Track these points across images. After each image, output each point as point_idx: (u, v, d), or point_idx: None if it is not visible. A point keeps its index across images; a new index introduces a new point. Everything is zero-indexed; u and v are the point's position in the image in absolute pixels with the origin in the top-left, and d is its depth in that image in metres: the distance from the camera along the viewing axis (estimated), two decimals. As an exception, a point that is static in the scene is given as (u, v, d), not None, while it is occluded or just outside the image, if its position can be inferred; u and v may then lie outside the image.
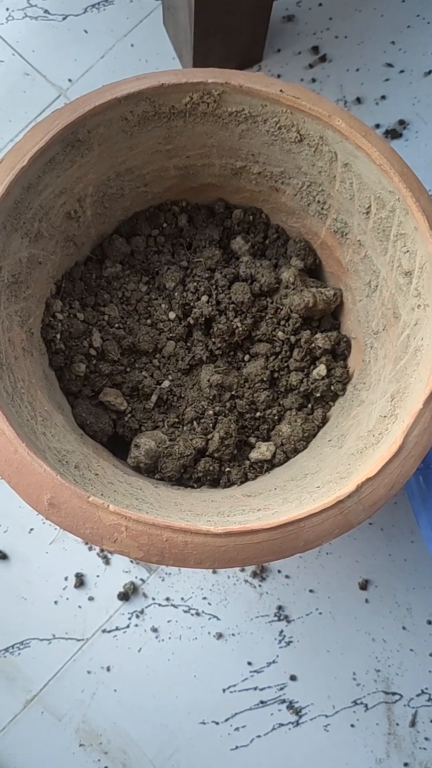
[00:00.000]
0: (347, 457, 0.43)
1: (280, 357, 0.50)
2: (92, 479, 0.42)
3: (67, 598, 0.61)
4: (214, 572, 0.61)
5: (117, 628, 0.60)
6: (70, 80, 0.69)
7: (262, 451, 0.48)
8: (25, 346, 0.46)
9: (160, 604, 0.61)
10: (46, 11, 0.70)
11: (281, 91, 0.43)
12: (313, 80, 0.69)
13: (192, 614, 0.61)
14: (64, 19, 0.70)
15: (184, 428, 0.49)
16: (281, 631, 0.61)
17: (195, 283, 0.49)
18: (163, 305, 0.50)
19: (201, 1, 0.57)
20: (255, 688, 0.60)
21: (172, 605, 0.61)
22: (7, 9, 0.71)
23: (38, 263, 0.47)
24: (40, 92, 0.69)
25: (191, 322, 0.49)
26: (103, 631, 0.60)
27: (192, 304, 0.49)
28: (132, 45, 0.69)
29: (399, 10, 0.70)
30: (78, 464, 0.42)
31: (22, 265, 0.45)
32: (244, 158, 0.48)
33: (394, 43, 0.70)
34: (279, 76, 0.69)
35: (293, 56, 0.69)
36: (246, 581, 0.61)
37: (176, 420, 0.49)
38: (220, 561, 0.38)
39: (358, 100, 0.68)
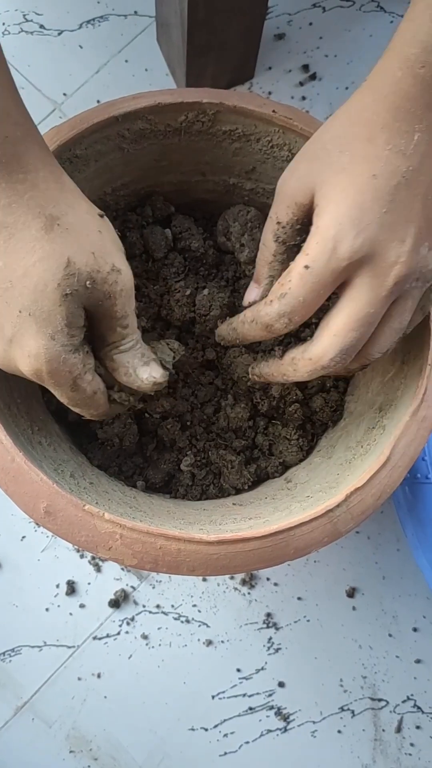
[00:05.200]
0: (336, 467, 0.44)
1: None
2: (87, 488, 0.42)
3: (59, 606, 0.61)
4: (204, 580, 0.62)
5: (108, 635, 0.61)
6: (65, 94, 0.70)
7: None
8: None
9: (150, 612, 0.61)
10: (41, 26, 0.71)
11: (274, 111, 0.44)
12: (303, 98, 0.70)
13: (182, 621, 0.61)
14: (59, 34, 0.71)
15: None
16: (270, 638, 0.62)
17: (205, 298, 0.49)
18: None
19: (194, 20, 0.59)
20: (244, 695, 0.61)
21: (163, 612, 0.62)
22: (3, 23, 0.72)
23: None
24: (36, 106, 0.70)
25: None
26: (94, 638, 0.61)
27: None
28: (126, 61, 0.71)
29: (387, 31, 0.72)
30: (73, 473, 0.43)
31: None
32: (237, 175, 0.49)
33: (383, 62, 0.71)
34: (270, 93, 0.70)
35: (284, 74, 0.71)
36: (235, 589, 0.62)
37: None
38: (212, 568, 0.39)
39: (347, 118, 0.70)
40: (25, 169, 0.34)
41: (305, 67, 0.71)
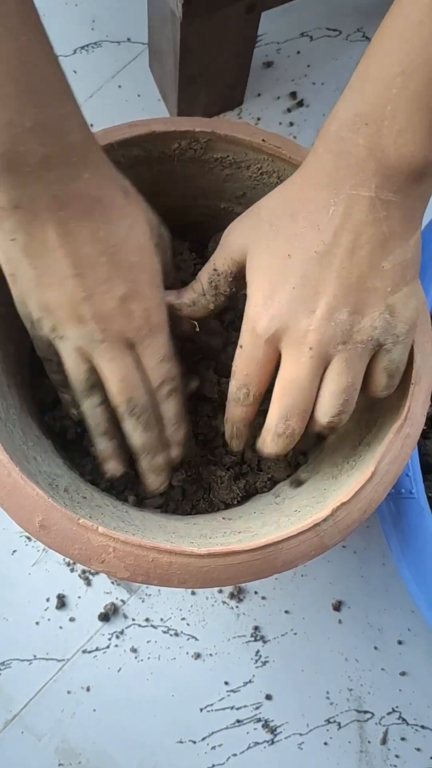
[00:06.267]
0: (323, 483, 0.46)
1: None
2: (81, 502, 0.44)
3: (49, 619, 0.62)
4: (193, 593, 0.63)
5: (97, 649, 0.62)
6: (59, 117, 0.71)
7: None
8: (16, 374, 0.48)
9: (140, 625, 0.62)
10: (36, 51, 0.73)
11: (264, 140, 0.46)
12: (291, 124, 0.73)
13: (171, 635, 0.62)
14: (54, 59, 0.73)
15: None
16: (257, 651, 0.63)
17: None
18: None
19: (186, 48, 0.61)
20: (231, 708, 0.62)
21: (152, 626, 0.62)
22: None
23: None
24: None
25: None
26: (84, 651, 0.62)
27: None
28: (119, 86, 0.72)
29: (372, 60, 0.75)
30: (67, 488, 0.44)
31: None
32: (228, 200, 0.51)
33: (368, 90, 0.74)
34: (259, 119, 0.73)
35: (272, 101, 0.73)
36: (224, 602, 0.63)
37: None
38: (202, 581, 0.40)
39: (334, 143, 0.72)
40: (97, 147, 0.40)
41: (293, 94, 0.73)
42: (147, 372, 0.43)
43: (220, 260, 0.43)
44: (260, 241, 0.40)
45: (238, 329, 0.44)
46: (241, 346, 0.42)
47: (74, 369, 0.42)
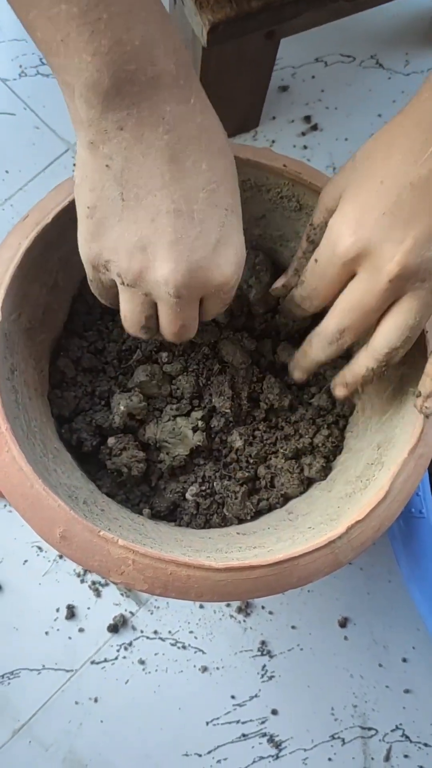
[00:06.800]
0: (336, 500, 0.47)
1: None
2: (99, 514, 0.44)
3: (58, 630, 0.63)
4: (201, 607, 0.64)
5: (105, 660, 0.62)
6: (78, 135, 0.73)
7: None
8: (36, 387, 0.49)
9: (148, 637, 0.63)
10: (57, 70, 0.75)
11: (284, 165, 0.47)
12: (305, 147, 0.74)
13: (178, 647, 0.63)
14: (74, 78, 0.74)
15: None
16: (264, 666, 0.63)
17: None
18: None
19: (206, 72, 0.62)
20: (237, 722, 0.62)
21: (160, 638, 0.63)
22: (21, 66, 0.75)
23: (53, 310, 0.50)
24: (49, 145, 0.73)
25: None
26: (92, 662, 0.62)
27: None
28: (138, 106, 0.74)
29: (385, 86, 0.76)
30: (86, 500, 0.45)
31: (39, 311, 0.48)
32: (247, 221, 0.52)
33: (381, 116, 0.76)
34: (273, 141, 0.74)
35: (287, 124, 0.75)
36: (231, 616, 0.64)
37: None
38: (219, 594, 0.41)
39: (347, 167, 0.74)
40: (196, 74, 0.36)
41: (307, 118, 0.75)
42: (203, 311, 0.41)
43: (316, 215, 0.43)
44: (353, 180, 0.39)
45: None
46: (315, 260, 0.41)
47: (134, 318, 0.40)
